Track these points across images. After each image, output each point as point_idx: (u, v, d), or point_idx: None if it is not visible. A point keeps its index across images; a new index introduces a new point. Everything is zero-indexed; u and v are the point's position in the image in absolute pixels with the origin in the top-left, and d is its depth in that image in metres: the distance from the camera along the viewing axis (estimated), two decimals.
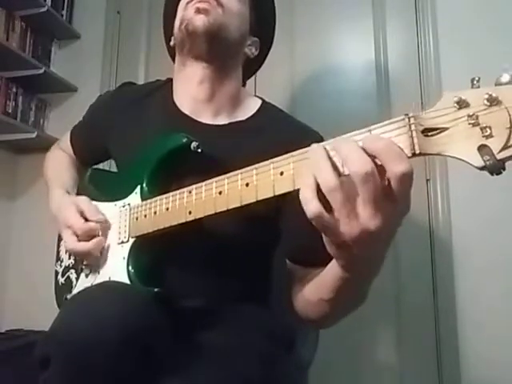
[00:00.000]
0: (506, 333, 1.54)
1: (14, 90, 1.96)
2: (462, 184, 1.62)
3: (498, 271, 1.57)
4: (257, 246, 0.81)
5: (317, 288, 0.66)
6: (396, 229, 0.47)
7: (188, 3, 0.82)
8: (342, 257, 0.51)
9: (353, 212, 0.44)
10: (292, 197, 0.50)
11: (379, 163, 0.43)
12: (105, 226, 0.78)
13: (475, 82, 0.42)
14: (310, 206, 0.44)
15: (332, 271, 0.59)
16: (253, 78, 1.92)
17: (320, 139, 0.79)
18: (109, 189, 0.86)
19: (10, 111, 1.92)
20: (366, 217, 0.44)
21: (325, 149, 0.46)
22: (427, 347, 1.61)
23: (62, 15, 2.12)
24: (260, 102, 0.91)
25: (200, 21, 0.79)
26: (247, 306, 0.81)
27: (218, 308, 0.79)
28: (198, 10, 0.80)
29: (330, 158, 0.45)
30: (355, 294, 0.63)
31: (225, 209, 0.58)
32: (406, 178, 0.42)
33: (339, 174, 0.44)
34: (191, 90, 0.86)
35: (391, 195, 0.43)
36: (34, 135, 1.91)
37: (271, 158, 0.53)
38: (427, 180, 1.69)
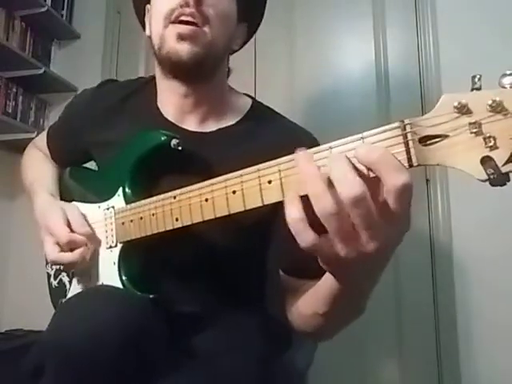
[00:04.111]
0: (506, 334, 1.54)
1: (14, 89, 1.96)
2: (462, 184, 1.61)
3: (498, 272, 1.57)
4: (250, 252, 0.77)
5: (311, 301, 0.64)
6: (396, 247, 0.45)
7: (166, 18, 0.71)
8: (337, 273, 0.49)
9: (349, 236, 0.41)
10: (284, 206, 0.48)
11: (373, 175, 0.40)
12: (90, 236, 0.74)
13: (476, 81, 0.39)
14: (304, 236, 0.42)
15: (327, 285, 0.56)
16: (253, 77, 1.92)
17: (313, 142, 0.76)
18: (90, 188, 0.83)
19: (10, 111, 1.92)
20: (363, 241, 0.41)
21: (318, 168, 0.42)
22: (427, 347, 1.61)
23: (62, 15, 2.13)
24: (250, 102, 0.85)
25: (184, 51, 0.70)
26: (243, 309, 0.79)
27: (214, 312, 0.77)
28: (181, 37, 0.70)
29: (325, 179, 0.41)
30: (351, 308, 0.60)
31: (212, 217, 0.56)
32: (405, 192, 0.39)
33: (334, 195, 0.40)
34: (175, 101, 0.80)
35: (389, 214, 0.40)
36: (33, 135, 1.91)
37: (261, 163, 0.50)
38: (427, 180, 1.69)
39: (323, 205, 0.40)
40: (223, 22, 0.74)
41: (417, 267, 1.66)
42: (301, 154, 0.45)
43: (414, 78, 1.77)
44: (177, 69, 0.74)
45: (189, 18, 0.70)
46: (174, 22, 0.71)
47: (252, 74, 1.88)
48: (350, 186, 0.39)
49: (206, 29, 0.71)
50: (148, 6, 0.82)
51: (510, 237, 1.57)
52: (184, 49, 0.70)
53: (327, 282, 0.56)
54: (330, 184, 0.41)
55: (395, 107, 1.77)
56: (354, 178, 0.39)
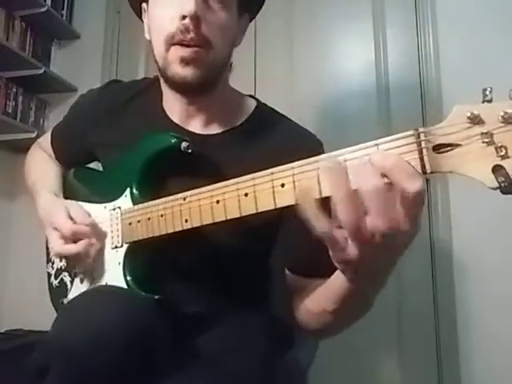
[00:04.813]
0: (506, 335, 1.54)
1: (14, 89, 1.96)
2: (462, 184, 1.62)
3: (498, 272, 1.57)
4: (255, 252, 0.78)
5: (320, 299, 0.65)
6: (405, 249, 0.47)
7: (166, 42, 0.70)
8: (348, 272, 0.50)
9: (364, 236, 0.43)
10: (293, 207, 0.49)
11: (388, 181, 0.42)
12: (95, 230, 0.74)
13: (487, 93, 0.40)
14: (320, 223, 0.44)
15: (336, 283, 0.57)
16: (253, 78, 1.92)
17: (318, 145, 0.77)
18: (95, 188, 0.83)
19: (9, 111, 1.92)
20: (377, 243, 0.43)
21: (346, 173, 0.43)
22: (427, 347, 1.62)
23: (62, 15, 2.12)
24: (254, 103, 0.84)
25: (189, 75, 0.70)
26: (247, 310, 0.80)
27: (218, 313, 0.78)
28: (184, 61, 0.69)
29: (349, 189, 0.42)
30: (360, 305, 0.61)
31: (223, 219, 0.56)
32: (418, 197, 0.41)
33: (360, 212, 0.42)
34: (179, 107, 0.80)
35: (403, 218, 0.42)
36: (33, 135, 1.91)
37: (267, 166, 0.51)
38: (427, 180, 1.69)
39: (340, 195, 0.42)
40: (225, 36, 0.73)
41: (417, 267, 1.66)
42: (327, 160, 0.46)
43: (413, 78, 1.77)
44: (181, 88, 0.75)
45: (190, 42, 0.69)
46: (175, 44, 0.70)
47: (252, 74, 1.88)
48: (384, 209, 0.41)
49: (208, 50, 0.71)
50: (144, 4, 0.81)
51: (509, 237, 1.57)
52: (188, 73, 0.70)
53: (338, 280, 0.56)
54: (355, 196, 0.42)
55: (395, 106, 1.77)
56: (386, 198, 0.41)
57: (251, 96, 0.88)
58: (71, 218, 0.74)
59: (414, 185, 0.40)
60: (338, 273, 0.56)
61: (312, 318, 0.68)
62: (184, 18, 0.67)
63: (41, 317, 1.25)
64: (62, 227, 0.73)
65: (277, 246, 0.77)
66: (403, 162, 0.41)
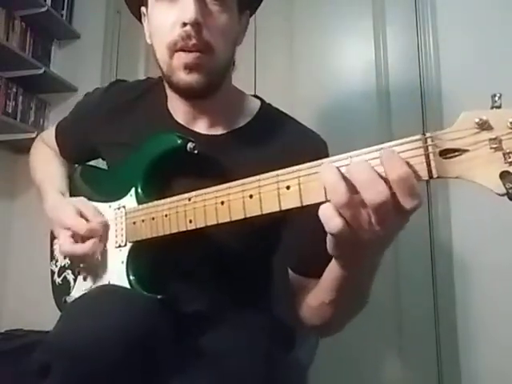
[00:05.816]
0: (507, 339, 1.54)
1: (14, 89, 1.96)
2: (462, 184, 1.61)
3: (498, 272, 1.57)
4: (259, 252, 0.79)
5: (318, 293, 0.67)
6: (399, 232, 0.48)
7: (169, 49, 0.70)
8: (343, 257, 0.52)
9: (363, 225, 0.45)
10: (296, 209, 0.50)
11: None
12: (105, 228, 0.75)
13: (496, 99, 0.40)
14: (331, 223, 0.45)
15: (331, 274, 0.59)
16: (252, 77, 1.92)
17: (323, 146, 0.78)
18: (100, 187, 0.83)
19: (9, 111, 1.92)
20: (375, 230, 0.45)
21: (338, 170, 0.45)
22: (427, 348, 1.62)
23: (62, 15, 2.12)
24: (259, 103, 0.85)
25: (194, 81, 0.71)
26: (248, 309, 0.80)
27: (221, 312, 0.78)
28: (188, 67, 0.70)
29: (343, 178, 0.44)
30: (356, 293, 0.63)
31: (228, 220, 0.57)
32: (414, 210, 0.43)
33: (351, 193, 0.44)
34: (183, 108, 0.80)
35: (401, 212, 0.44)
36: (33, 135, 1.91)
37: (272, 167, 0.52)
38: (427, 180, 1.69)
39: (338, 196, 0.43)
40: (226, 39, 0.74)
41: (417, 267, 1.66)
42: (325, 163, 0.47)
43: (413, 77, 1.77)
44: (186, 93, 0.75)
45: (192, 49, 0.69)
46: (178, 51, 0.70)
47: (252, 73, 1.88)
48: (377, 193, 0.42)
49: (211, 54, 0.71)
50: (143, 8, 0.81)
51: (509, 237, 1.57)
52: (193, 79, 0.71)
53: (332, 271, 0.58)
54: (345, 178, 0.44)
55: (395, 106, 1.77)
56: (380, 184, 0.43)
57: (255, 96, 0.88)
58: (82, 216, 0.74)
59: (412, 202, 0.42)
60: (331, 264, 0.58)
61: (313, 313, 0.70)
62: (185, 25, 0.67)
63: (41, 317, 1.25)
64: (73, 226, 0.73)
65: (280, 246, 0.77)
66: (410, 178, 0.42)
